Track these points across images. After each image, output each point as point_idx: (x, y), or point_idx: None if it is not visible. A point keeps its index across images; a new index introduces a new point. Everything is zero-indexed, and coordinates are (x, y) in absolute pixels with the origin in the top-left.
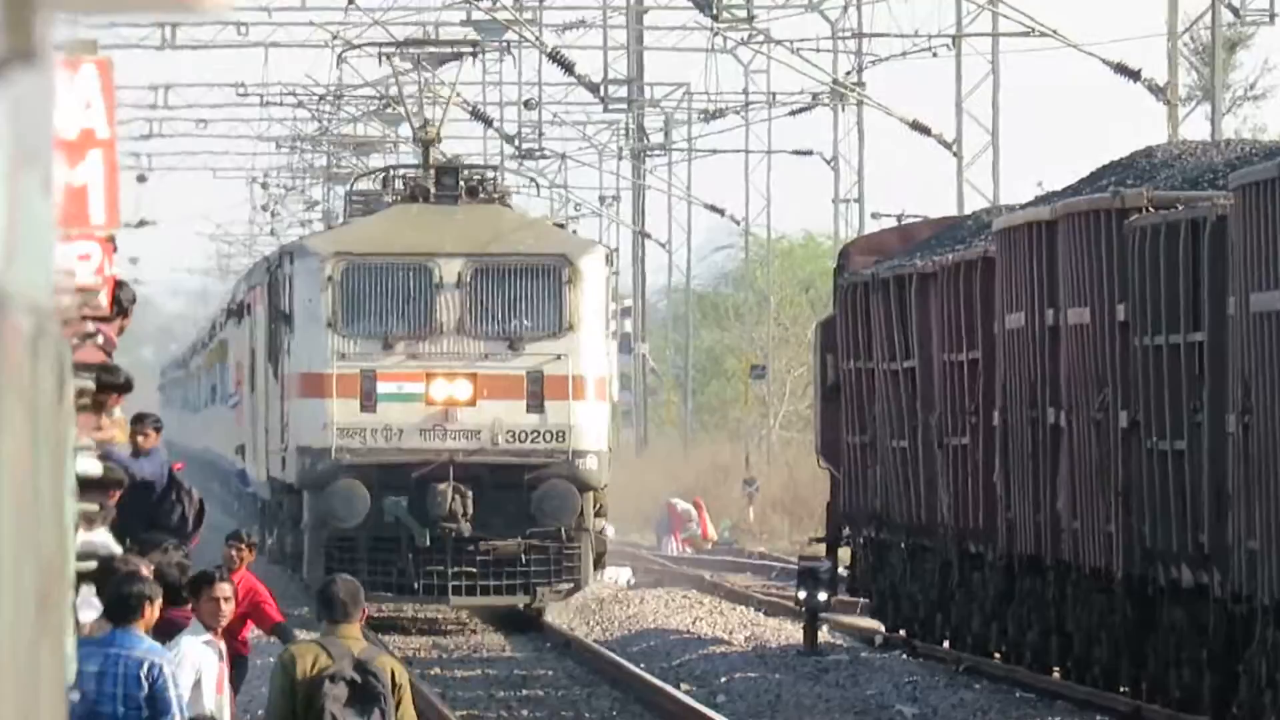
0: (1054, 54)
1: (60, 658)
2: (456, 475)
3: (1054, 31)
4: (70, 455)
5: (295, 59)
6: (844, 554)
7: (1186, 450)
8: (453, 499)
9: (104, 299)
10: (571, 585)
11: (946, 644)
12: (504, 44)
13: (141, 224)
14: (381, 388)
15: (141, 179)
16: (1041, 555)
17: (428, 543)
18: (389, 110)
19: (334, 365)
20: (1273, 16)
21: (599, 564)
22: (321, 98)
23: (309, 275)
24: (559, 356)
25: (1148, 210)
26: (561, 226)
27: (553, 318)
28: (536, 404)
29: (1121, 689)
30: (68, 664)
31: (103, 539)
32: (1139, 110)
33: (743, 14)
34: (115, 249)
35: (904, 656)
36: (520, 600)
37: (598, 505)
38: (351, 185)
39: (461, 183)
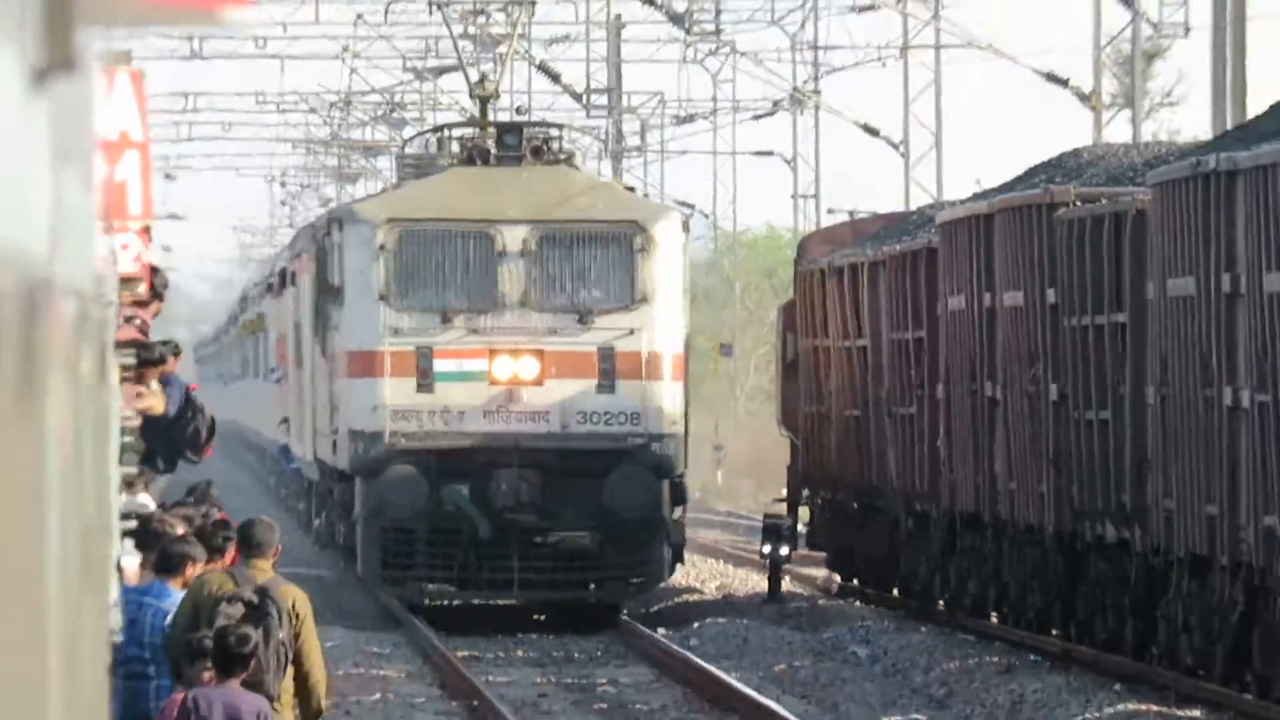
0: (992, 64)
1: (104, 609)
2: (522, 461)
3: (990, 45)
4: (113, 426)
5: (309, 69)
6: (804, 512)
7: (1110, 420)
8: (518, 487)
9: (142, 286)
10: (647, 579)
11: (895, 592)
12: (496, 55)
13: (172, 217)
14: (439, 366)
15: (170, 177)
16: (980, 513)
17: (491, 534)
18: (394, 114)
19: (387, 342)
20: (1187, 30)
21: (678, 556)
22: (332, 104)
23: (360, 244)
24: (632, 331)
25: (1075, 205)
26: (632, 190)
27: (625, 289)
28: (608, 383)
29: (1053, 632)
30: (111, 612)
31: (144, 500)
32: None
33: (711, 28)
34: (150, 239)
35: (857, 603)
36: (592, 596)
37: (675, 493)
38: (404, 146)
39: (525, 142)
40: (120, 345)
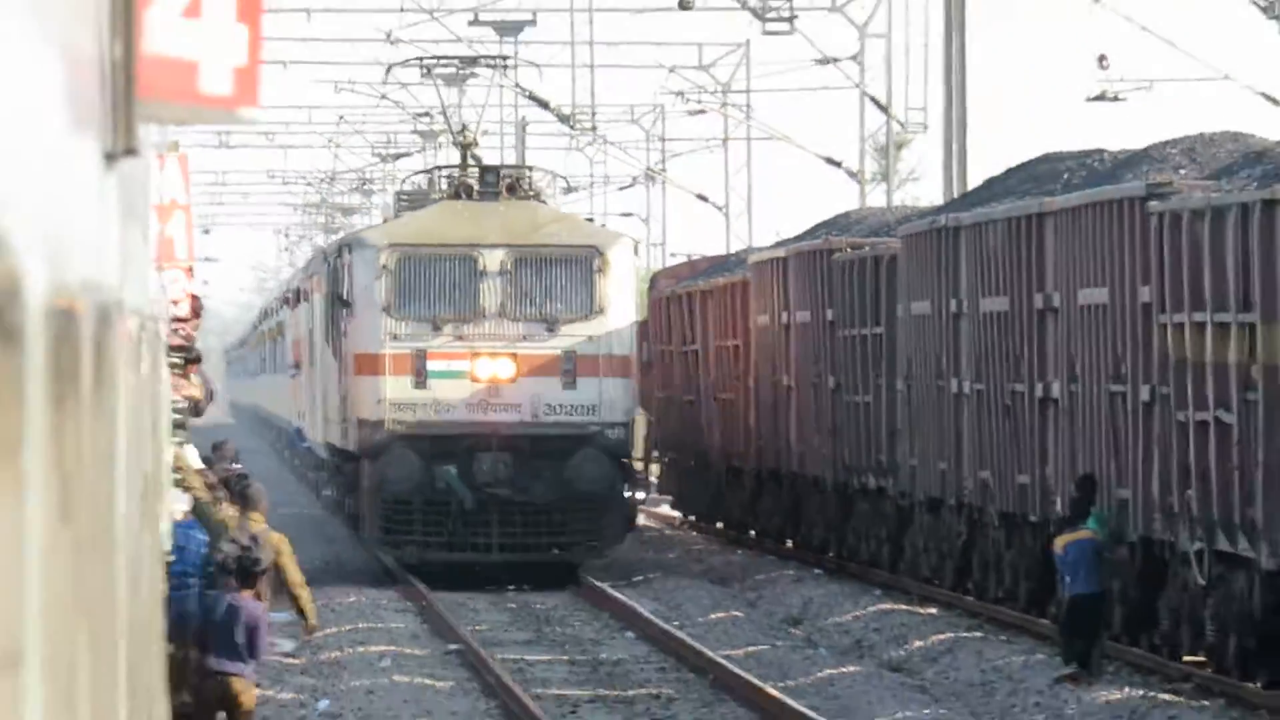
0: (788, 150)
1: (158, 538)
2: (499, 445)
3: (787, 136)
4: (165, 405)
5: (304, 154)
6: (654, 468)
7: (871, 402)
8: (497, 466)
9: (186, 308)
10: (603, 543)
11: (720, 525)
12: (475, 109)
13: (208, 260)
14: (432, 366)
15: (206, 231)
16: (779, 469)
17: (474, 506)
18: (364, 187)
19: (388, 346)
20: (925, 127)
21: (629, 525)
22: (321, 179)
23: (366, 264)
24: (591, 338)
25: (847, 250)
26: (590, 220)
27: (585, 302)
28: (571, 381)
29: (829, 553)
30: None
31: (191, 452)
32: (840, 187)
33: (589, 125)
34: (192, 275)
35: (693, 533)
36: (557, 557)
37: (626, 471)
38: (401, 186)
39: (501, 180)
40: (171, 349)
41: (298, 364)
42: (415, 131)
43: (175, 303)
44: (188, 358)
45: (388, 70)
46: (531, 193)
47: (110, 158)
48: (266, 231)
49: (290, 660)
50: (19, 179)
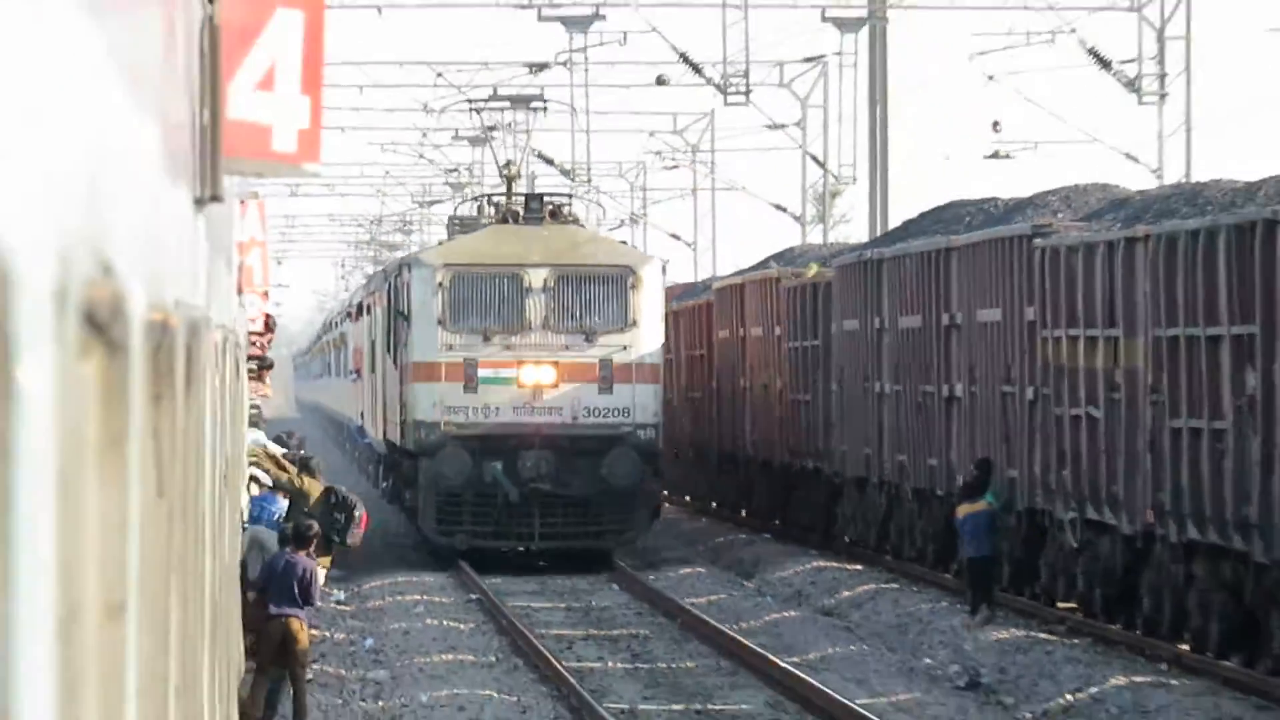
0: (744, 197)
1: (237, 509)
2: (542, 444)
3: (744, 187)
4: (244, 402)
5: (358, 200)
6: None
7: (811, 399)
8: (539, 463)
9: (262, 324)
10: (634, 532)
11: (688, 498)
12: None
13: (279, 286)
14: (482, 373)
15: (279, 262)
16: (737, 453)
17: (519, 498)
18: (406, 227)
19: (444, 355)
20: (854, 179)
21: (656, 515)
22: (370, 221)
23: (424, 282)
24: (625, 347)
25: (791, 278)
26: (624, 243)
27: (620, 316)
28: (607, 386)
29: (776, 521)
30: (243, 512)
31: (260, 435)
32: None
33: (585, 177)
34: (267, 298)
35: (667, 505)
36: (593, 544)
37: (654, 468)
38: (455, 211)
39: (545, 207)
40: (249, 358)
41: (358, 370)
42: (446, 183)
43: (253, 320)
44: (262, 364)
45: (433, 111)
46: (571, 218)
47: (199, 203)
48: (326, 263)
49: (342, 607)
50: (122, 219)
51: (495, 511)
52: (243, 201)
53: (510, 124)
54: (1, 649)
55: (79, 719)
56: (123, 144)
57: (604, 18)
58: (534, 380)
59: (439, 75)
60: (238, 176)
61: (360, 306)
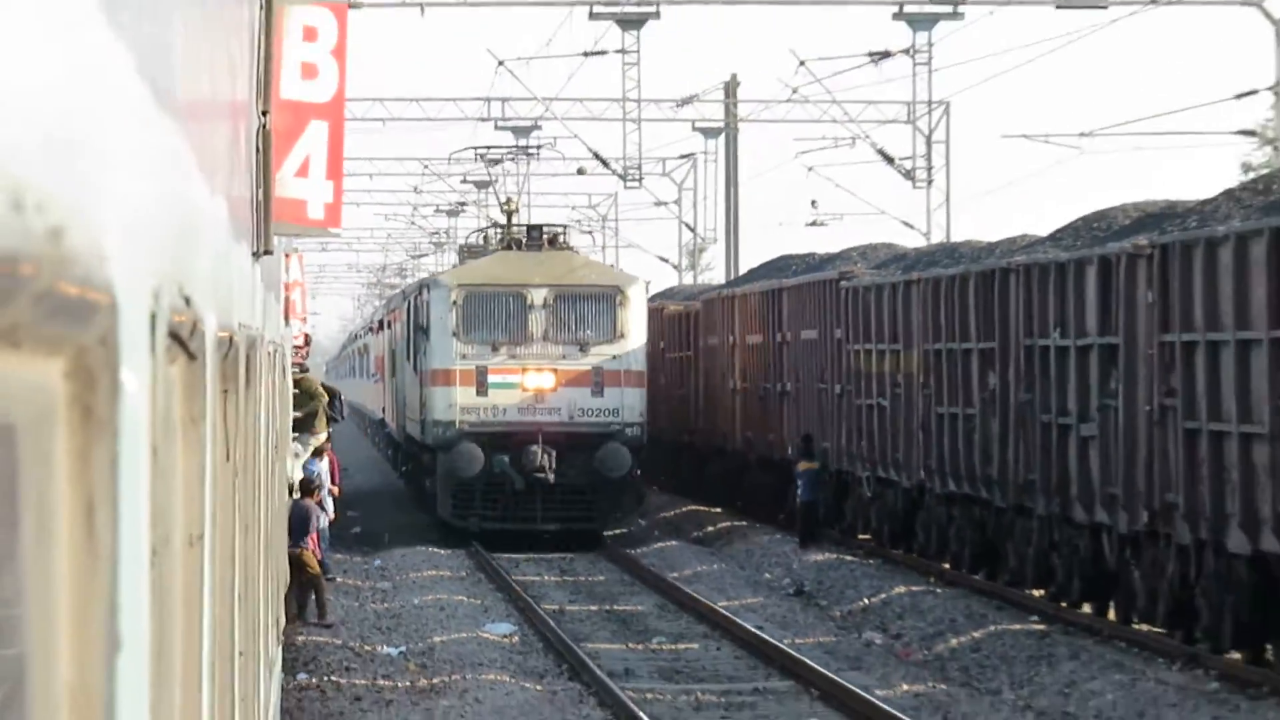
0: (640, 253)
1: (284, 470)
2: (544, 440)
3: (639, 245)
4: (288, 395)
5: (370, 253)
6: None
7: (685, 393)
8: (541, 456)
9: (302, 340)
10: (622, 515)
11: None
12: (517, 180)
13: (313, 314)
14: (491, 379)
15: (313, 297)
16: (680, 439)
17: (523, 487)
18: (402, 273)
19: (458, 363)
20: (715, 239)
21: (641, 502)
22: (378, 269)
23: (441, 300)
24: (614, 357)
25: (676, 308)
26: (612, 266)
27: (609, 329)
28: (599, 390)
29: (736, 503)
30: (290, 472)
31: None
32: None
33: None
34: (305, 322)
35: (653, 488)
36: (587, 526)
37: (639, 461)
38: (466, 241)
39: (544, 235)
40: (294, 363)
41: (379, 373)
42: (431, 242)
43: (296, 337)
44: (303, 368)
45: (421, 191)
46: (567, 245)
47: (256, 255)
48: (346, 298)
49: (366, 557)
50: (200, 266)
51: (503, 498)
52: (287, 255)
53: (509, 168)
54: (116, 571)
55: (167, 619)
56: (201, 213)
57: (540, 127)
58: (536, 385)
59: (425, 167)
60: (283, 236)
61: (381, 322)
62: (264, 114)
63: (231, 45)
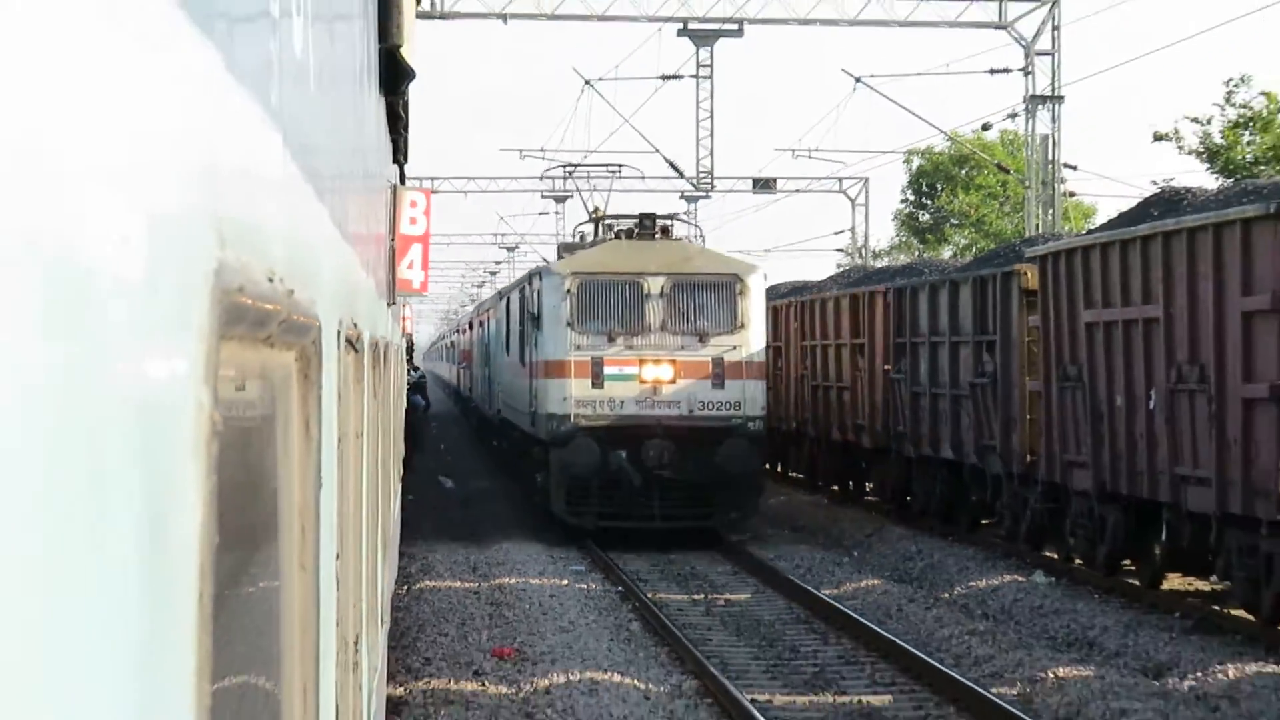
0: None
1: (403, 405)
2: (662, 434)
3: None
4: (404, 371)
5: (445, 303)
6: None
7: None
8: (661, 452)
9: (407, 344)
10: (743, 513)
11: None
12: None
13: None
14: (607, 371)
15: (415, 324)
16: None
17: (641, 483)
18: (482, 284)
19: (573, 354)
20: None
21: (759, 495)
22: (450, 311)
23: (553, 288)
24: (735, 347)
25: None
26: (729, 255)
27: (730, 319)
28: (719, 382)
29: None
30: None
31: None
32: None
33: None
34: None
35: None
36: (707, 524)
37: (760, 456)
38: (576, 230)
39: (657, 225)
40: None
41: (465, 361)
42: (487, 286)
43: (406, 333)
44: (410, 354)
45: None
46: (678, 236)
47: (390, 304)
48: (431, 321)
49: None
50: (361, 308)
51: (620, 495)
52: (404, 304)
53: (594, 183)
54: (320, 450)
55: (346, 473)
56: (362, 284)
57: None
58: (654, 377)
59: (495, 237)
60: (402, 295)
61: (470, 324)
62: (392, 240)
63: (379, 210)
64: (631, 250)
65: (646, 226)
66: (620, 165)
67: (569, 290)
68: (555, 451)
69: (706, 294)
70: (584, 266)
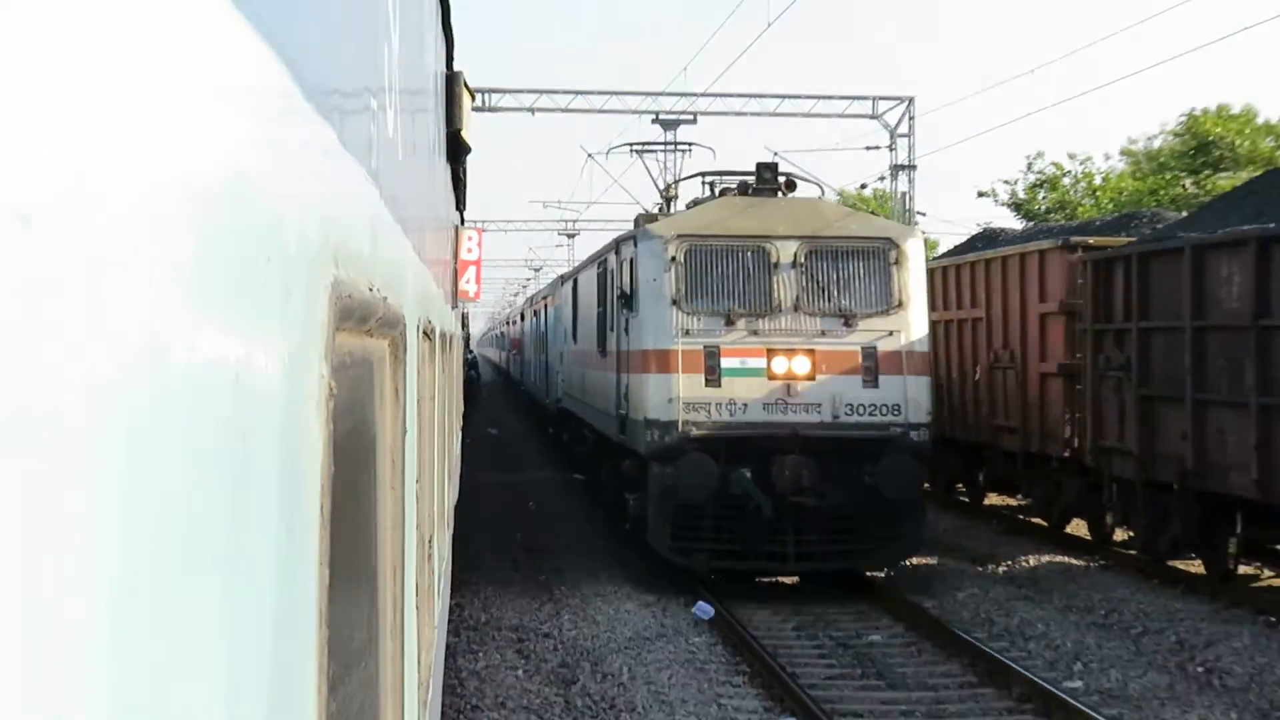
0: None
1: (463, 376)
2: (799, 448)
3: None
4: (462, 363)
5: (489, 307)
6: None
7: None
8: (799, 472)
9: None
10: (904, 550)
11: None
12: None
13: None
14: (725, 363)
15: (470, 319)
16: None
17: (772, 512)
18: (537, 274)
19: (679, 341)
20: None
21: (921, 527)
22: (496, 319)
23: (653, 256)
24: (891, 333)
25: None
26: (879, 217)
27: (884, 296)
28: (872, 379)
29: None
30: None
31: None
32: None
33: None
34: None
35: None
36: (858, 565)
37: (925, 477)
38: (675, 182)
39: (780, 177)
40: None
41: (515, 348)
42: (530, 267)
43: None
44: (467, 343)
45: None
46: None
47: (454, 307)
48: (484, 316)
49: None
50: (434, 312)
51: (743, 528)
52: (463, 308)
53: (664, 155)
54: (406, 406)
55: (425, 423)
56: (435, 293)
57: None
58: (786, 371)
59: (525, 262)
60: (463, 301)
61: (521, 315)
62: (455, 263)
63: (447, 243)
64: (751, 209)
65: (765, 179)
66: (690, 144)
67: (673, 258)
68: (656, 469)
69: (852, 264)
70: (692, 227)
